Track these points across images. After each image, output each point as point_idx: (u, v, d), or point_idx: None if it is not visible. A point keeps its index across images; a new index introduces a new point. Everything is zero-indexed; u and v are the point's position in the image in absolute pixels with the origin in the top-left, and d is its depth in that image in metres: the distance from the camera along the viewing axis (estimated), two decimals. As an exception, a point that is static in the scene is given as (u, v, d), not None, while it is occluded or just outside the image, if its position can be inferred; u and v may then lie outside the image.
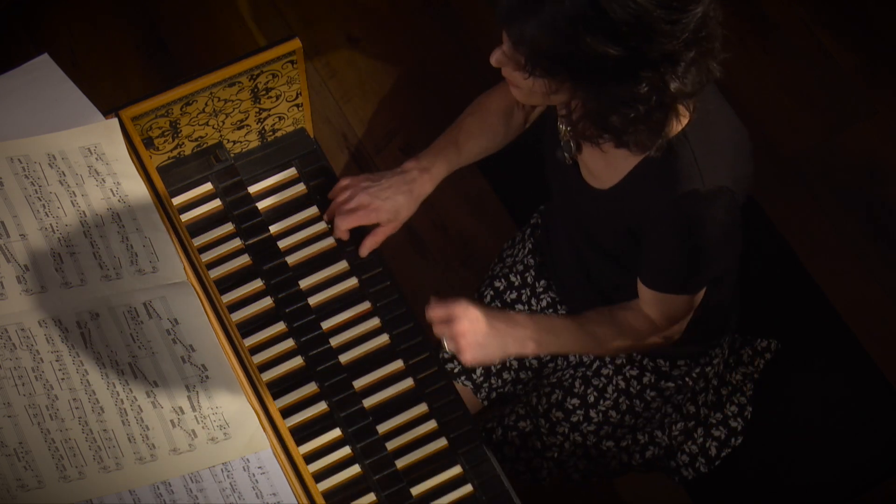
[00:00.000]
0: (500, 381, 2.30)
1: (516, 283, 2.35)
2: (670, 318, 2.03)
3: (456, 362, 2.26)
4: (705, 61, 1.73)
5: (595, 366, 2.27)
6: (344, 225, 2.06)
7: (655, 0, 1.62)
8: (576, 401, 2.25)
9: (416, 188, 2.09)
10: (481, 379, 2.27)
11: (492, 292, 2.36)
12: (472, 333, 1.96)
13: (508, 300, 2.34)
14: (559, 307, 2.32)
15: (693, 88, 1.74)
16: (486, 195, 3.02)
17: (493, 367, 2.27)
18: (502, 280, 2.36)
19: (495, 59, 1.78)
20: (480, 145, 2.16)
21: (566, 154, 1.99)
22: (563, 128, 1.97)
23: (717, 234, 1.89)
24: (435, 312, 1.98)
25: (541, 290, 2.33)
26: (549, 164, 2.09)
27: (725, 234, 1.91)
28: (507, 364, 2.27)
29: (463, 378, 2.26)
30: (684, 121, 1.83)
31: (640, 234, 1.95)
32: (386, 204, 2.07)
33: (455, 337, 1.96)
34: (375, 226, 2.08)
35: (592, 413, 2.25)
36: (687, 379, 2.22)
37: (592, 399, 2.25)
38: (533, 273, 2.34)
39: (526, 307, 2.33)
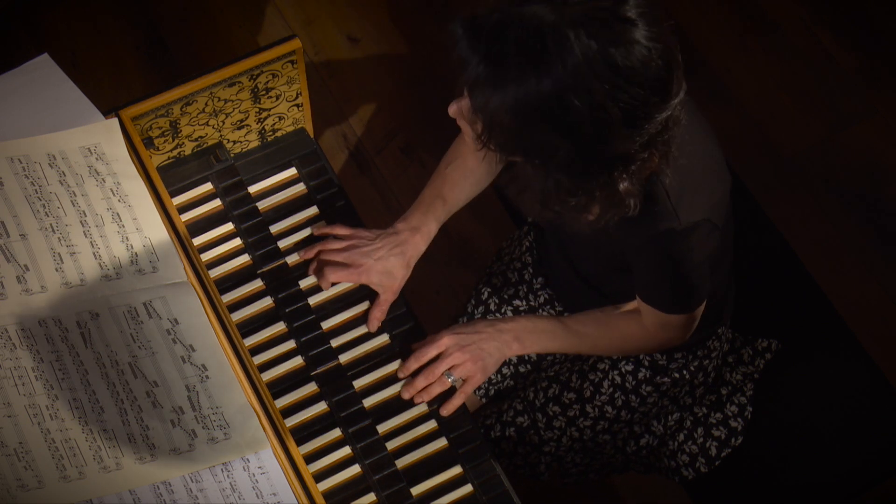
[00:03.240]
0: (498, 375, 2.31)
1: (513, 280, 2.35)
2: (667, 328, 2.04)
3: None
4: (660, 158, 1.73)
5: (591, 360, 2.27)
6: (333, 277, 2.06)
7: (619, 105, 1.61)
8: (572, 395, 2.26)
9: (408, 250, 2.09)
10: None
11: (489, 289, 2.36)
12: (470, 354, 2.03)
13: (505, 296, 2.34)
14: (556, 304, 2.33)
15: (641, 188, 1.73)
16: (485, 195, 3.02)
17: None
18: (499, 277, 2.37)
19: (453, 111, 1.76)
20: (466, 191, 2.16)
21: None
22: None
23: (698, 260, 1.90)
24: (424, 356, 2.03)
25: (538, 286, 2.34)
26: None
27: (708, 258, 1.92)
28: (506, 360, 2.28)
29: None
30: (656, 161, 1.80)
31: (624, 260, 1.97)
32: (377, 265, 2.06)
33: (456, 367, 2.02)
34: (373, 296, 2.08)
35: (588, 408, 2.26)
36: (684, 372, 2.23)
37: (588, 394, 2.25)
38: (531, 270, 2.35)
39: (524, 303, 2.33)
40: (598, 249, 2.04)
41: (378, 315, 2.06)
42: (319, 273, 2.07)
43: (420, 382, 2.01)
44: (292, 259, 2.09)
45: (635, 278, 2.00)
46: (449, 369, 2.02)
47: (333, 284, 2.08)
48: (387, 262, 2.07)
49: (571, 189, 1.71)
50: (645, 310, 2.03)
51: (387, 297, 2.07)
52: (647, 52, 1.60)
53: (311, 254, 2.09)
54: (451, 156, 2.17)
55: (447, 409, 2.00)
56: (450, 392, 2.02)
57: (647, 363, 2.24)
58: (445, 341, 2.04)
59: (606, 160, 1.67)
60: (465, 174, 2.15)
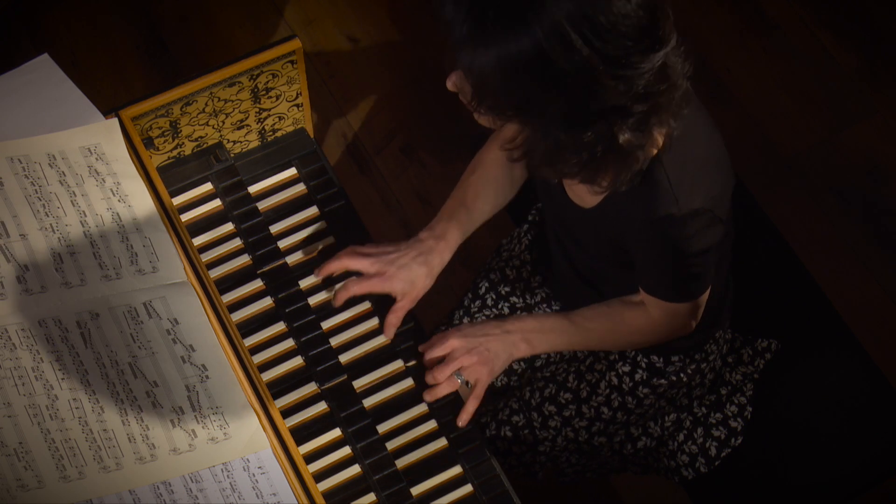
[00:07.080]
0: None
1: (511, 277, 2.35)
2: (675, 317, 2.04)
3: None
4: (662, 114, 1.72)
5: (588, 361, 2.27)
6: (356, 289, 2.04)
7: (600, 55, 1.60)
8: (568, 395, 2.26)
9: (432, 259, 2.07)
10: None
11: (486, 284, 2.36)
12: (478, 356, 2.02)
13: (503, 293, 2.34)
14: (553, 302, 2.33)
15: (645, 140, 1.72)
16: (486, 195, 3.02)
17: None
18: (497, 273, 2.36)
19: (452, 82, 1.75)
20: (489, 201, 2.15)
21: None
22: None
23: (697, 249, 1.89)
24: (432, 355, 2.02)
25: (535, 285, 2.34)
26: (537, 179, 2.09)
27: (709, 248, 1.91)
28: None
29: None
30: (659, 142, 1.80)
31: (625, 247, 1.96)
32: (401, 273, 2.05)
33: (465, 368, 2.01)
34: (391, 303, 2.06)
35: (584, 408, 2.25)
36: (682, 375, 2.23)
37: (585, 394, 2.25)
38: (528, 268, 2.35)
39: (521, 300, 2.33)
40: (598, 240, 2.03)
41: (394, 321, 2.04)
42: (343, 288, 2.05)
43: (428, 381, 2.01)
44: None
45: (636, 268, 1.99)
46: (457, 370, 2.02)
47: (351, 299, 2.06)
48: (410, 270, 2.05)
49: (571, 145, 1.70)
50: (648, 300, 2.03)
51: (403, 305, 2.05)
52: (627, 2, 1.61)
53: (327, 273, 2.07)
54: (473, 165, 2.16)
55: (463, 419, 2.00)
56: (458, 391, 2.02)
57: (644, 365, 2.23)
58: (453, 342, 2.03)
59: (599, 113, 1.66)
60: (488, 183, 2.14)
